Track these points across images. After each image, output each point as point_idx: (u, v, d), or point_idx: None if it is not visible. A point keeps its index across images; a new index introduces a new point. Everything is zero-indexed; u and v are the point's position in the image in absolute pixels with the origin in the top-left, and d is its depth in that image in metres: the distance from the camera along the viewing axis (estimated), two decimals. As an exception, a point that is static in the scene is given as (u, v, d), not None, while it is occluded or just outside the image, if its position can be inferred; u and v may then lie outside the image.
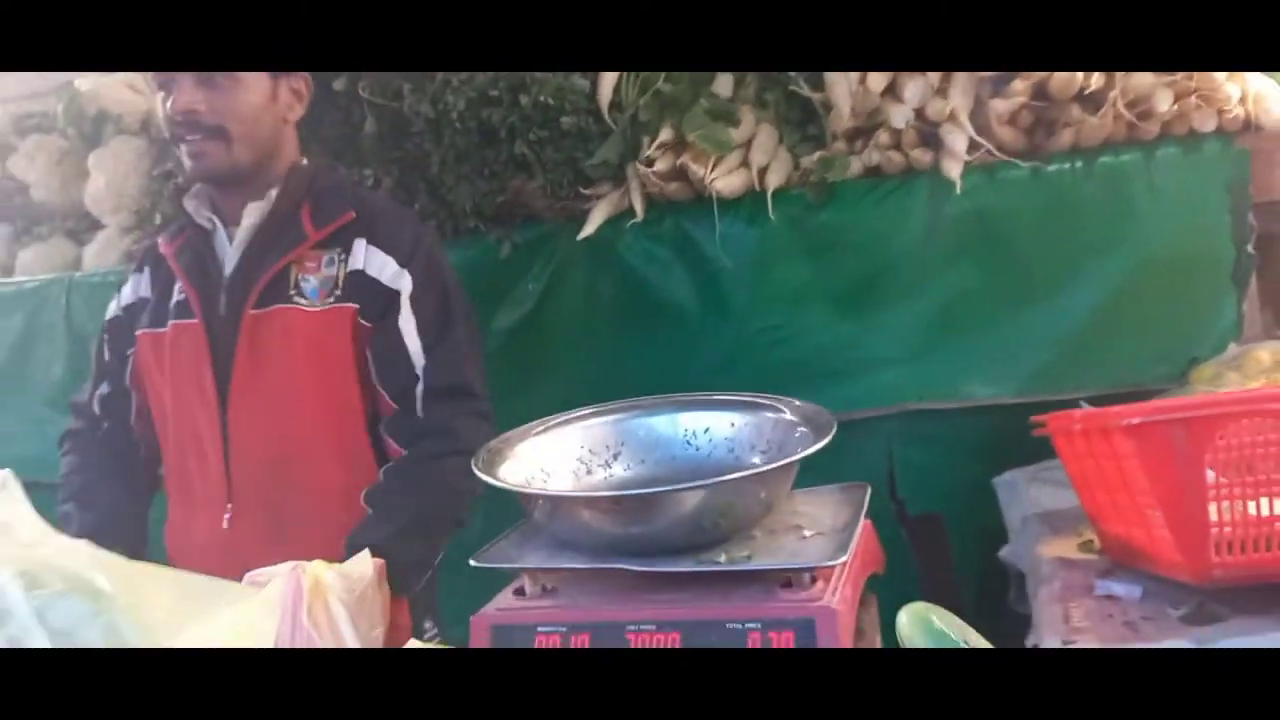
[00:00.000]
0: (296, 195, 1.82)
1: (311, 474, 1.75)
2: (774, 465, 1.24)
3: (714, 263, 2.23)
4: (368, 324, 1.78)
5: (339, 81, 2.38)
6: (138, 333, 1.89)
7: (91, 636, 0.69)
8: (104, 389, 1.96)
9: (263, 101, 1.77)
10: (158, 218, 2.61)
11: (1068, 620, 1.51)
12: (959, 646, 0.79)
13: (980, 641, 0.79)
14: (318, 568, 1.12)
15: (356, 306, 1.76)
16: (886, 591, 2.13)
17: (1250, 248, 2.02)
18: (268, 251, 1.78)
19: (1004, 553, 1.98)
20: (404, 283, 1.78)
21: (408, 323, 1.77)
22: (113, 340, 1.96)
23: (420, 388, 1.75)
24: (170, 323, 1.82)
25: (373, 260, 1.79)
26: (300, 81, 1.85)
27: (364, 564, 1.17)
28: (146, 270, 1.94)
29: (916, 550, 2.23)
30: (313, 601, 1.11)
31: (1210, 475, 1.35)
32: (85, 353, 2.68)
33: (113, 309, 1.97)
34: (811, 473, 2.21)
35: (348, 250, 1.79)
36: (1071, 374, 2.07)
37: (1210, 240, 2.02)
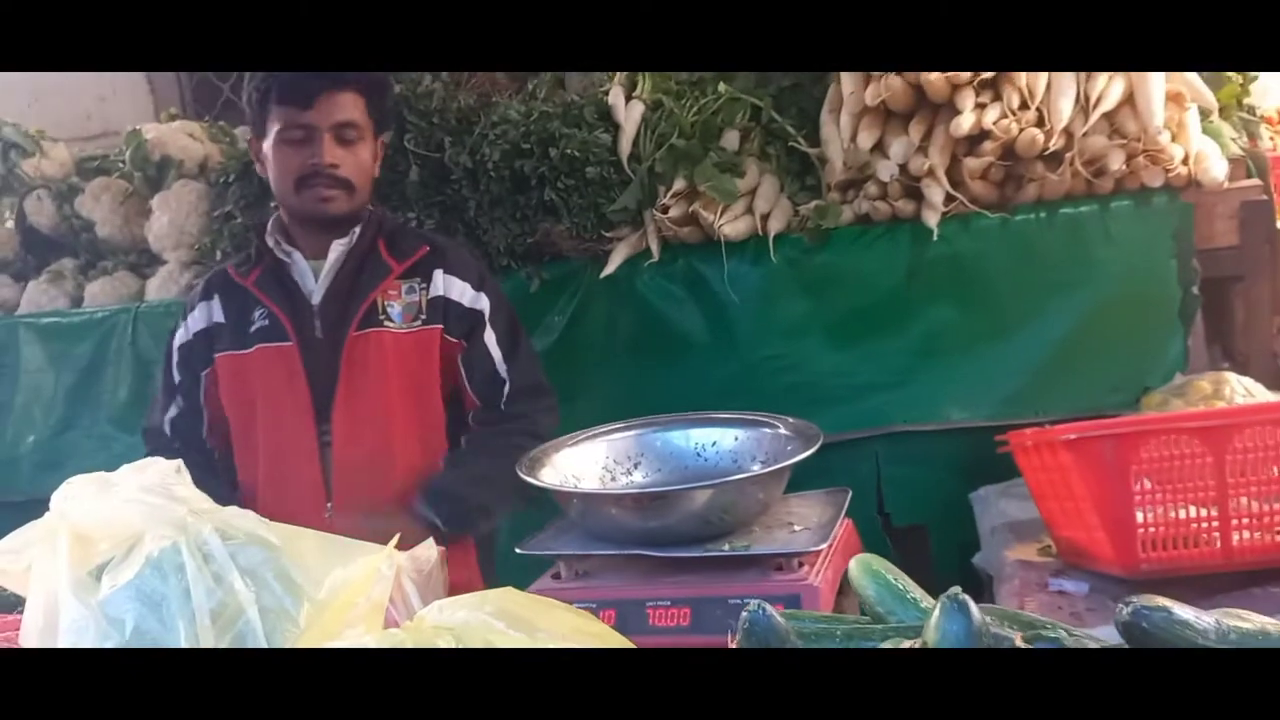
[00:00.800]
0: (372, 234, 2.14)
1: (403, 469, 2.05)
2: (768, 470, 1.51)
3: (722, 299, 2.49)
4: (455, 340, 2.11)
5: (387, 135, 2.66)
6: (216, 355, 2.15)
7: (268, 575, 0.95)
8: (173, 411, 2.22)
9: (371, 159, 2.13)
10: (218, 254, 2.89)
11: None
12: (896, 587, 1.04)
13: (914, 589, 1.04)
14: (388, 550, 1.37)
15: (441, 327, 2.09)
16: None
17: (1195, 289, 2.28)
18: (353, 281, 2.09)
19: (977, 559, 2.23)
20: (483, 304, 2.13)
21: (490, 337, 2.13)
22: (184, 363, 2.21)
23: (507, 389, 2.11)
24: (256, 345, 2.09)
25: (452, 287, 2.12)
26: (384, 141, 2.20)
27: (430, 549, 1.43)
28: (217, 298, 2.20)
29: (901, 559, 2.46)
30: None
31: (1146, 484, 1.61)
32: (148, 375, 2.98)
33: (181, 335, 2.22)
34: (810, 485, 2.48)
35: (427, 280, 2.11)
36: (1038, 400, 2.33)
37: (1159, 283, 2.28)
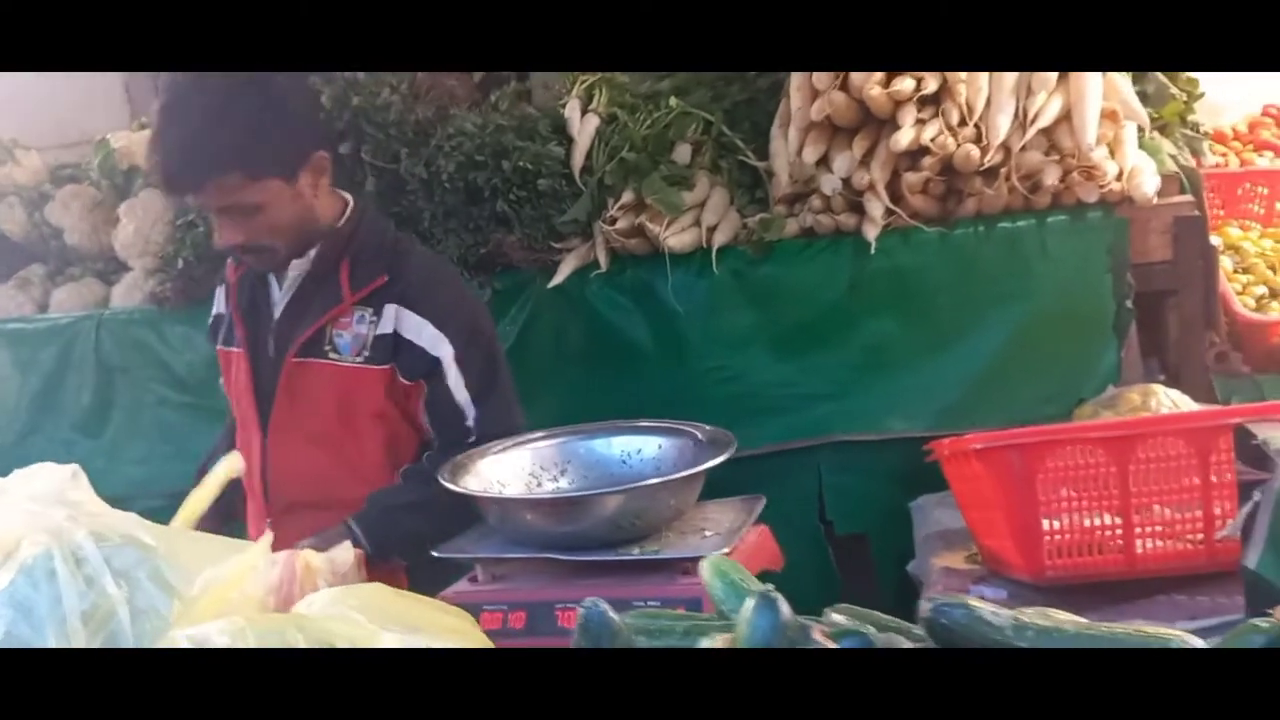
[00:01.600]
0: (334, 255, 2.03)
1: (336, 496, 1.97)
2: (677, 476, 1.55)
3: (669, 309, 2.53)
4: (408, 382, 1.97)
5: (345, 146, 2.71)
6: (217, 347, 2.22)
7: (141, 576, 0.99)
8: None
9: (289, 203, 1.97)
10: (179, 262, 2.93)
11: (941, 618, 1.80)
12: (740, 586, 1.08)
13: (756, 586, 1.07)
14: (308, 554, 1.40)
15: (391, 367, 1.97)
16: (813, 600, 2.43)
17: (1129, 303, 2.32)
18: (309, 304, 2.02)
19: (911, 566, 2.27)
20: (443, 348, 1.97)
21: (456, 381, 1.97)
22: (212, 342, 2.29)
23: (473, 439, 1.92)
24: (227, 345, 2.16)
25: (407, 323, 1.97)
26: (318, 161, 2.03)
27: (347, 551, 1.46)
28: (222, 289, 2.23)
29: (841, 566, 2.51)
30: (304, 581, 1.40)
31: (1067, 492, 1.65)
32: (111, 382, 3.02)
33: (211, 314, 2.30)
34: (753, 492, 2.51)
35: (379, 313, 1.97)
36: (975, 411, 2.36)
37: (1094, 297, 2.32)
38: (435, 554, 1.57)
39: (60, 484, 1.06)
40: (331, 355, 1.99)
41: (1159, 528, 1.60)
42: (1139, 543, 1.60)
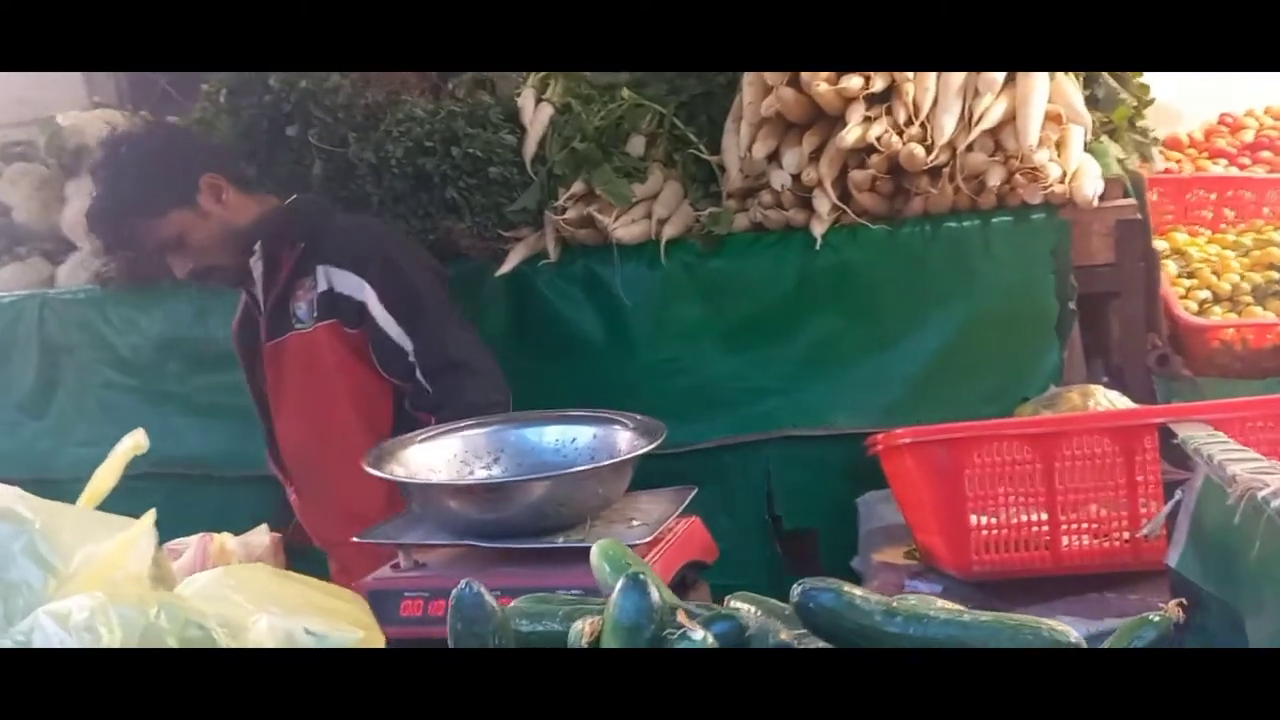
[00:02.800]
0: (276, 239, 2.24)
1: (348, 457, 1.99)
2: (602, 464, 1.54)
3: (617, 301, 2.52)
4: (352, 331, 2.15)
5: (292, 129, 2.68)
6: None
7: (15, 549, 0.97)
8: None
9: (202, 225, 2.20)
10: (127, 243, 2.88)
11: (873, 612, 1.80)
12: (625, 568, 1.07)
13: (645, 571, 1.06)
14: (223, 537, 1.39)
15: (336, 320, 2.15)
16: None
17: (1071, 305, 2.33)
18: (271, 292, 2.24)
19: (854, 562, 2.27)
20: (365, 291, 2.15)
21: (386, 320, 2.14)
22: None
23: (418, 370, 2.11)
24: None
25: (335, 278, 2.17)
26: (207, 182, 2.23)
27: (262, 535, 1.45)
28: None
29: (789, 561, 2.51)
30: (218, 564, 1.38)
31: (1001, 490, 1.65)
32: (55, 362, 2.97)
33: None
34: (703, 486, 2.51)
35: (314, 276, 2.18)
36: (919, 408, 2.37)
37: (1037, 297, 2.34)
38: (356, 539, 1.55)
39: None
40: (297, 326, 2.19)
41: (1085, 525, 1.61)
42: (1065, 539, 1.61)
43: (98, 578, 0.95)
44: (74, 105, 3.97)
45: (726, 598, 1.07)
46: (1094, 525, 1.61)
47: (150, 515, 1.02)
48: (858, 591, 1.01)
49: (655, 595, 0.93)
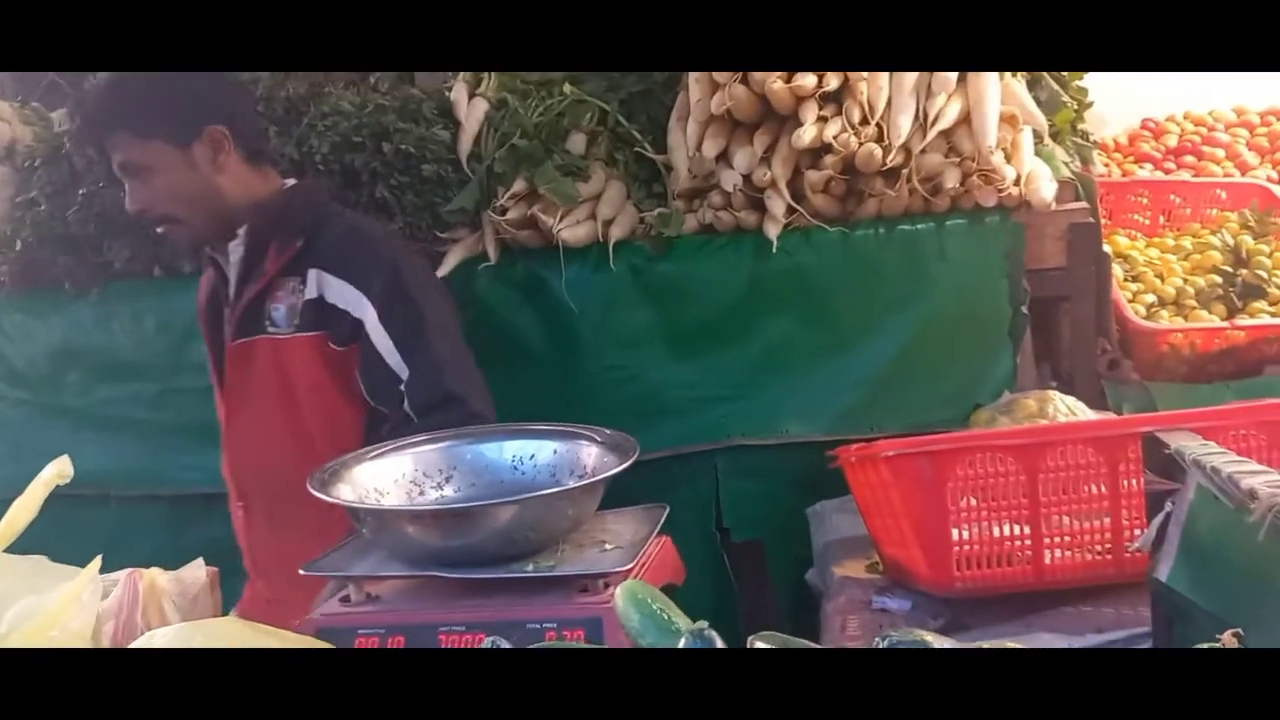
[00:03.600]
0: (266, 229, 2.00)
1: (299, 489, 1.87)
2: (576, 485, 1.43)
3: (562, 306, 2.41)
4: (339, 348, 1.94)
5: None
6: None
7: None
8: None
9: (184, 172, 1.96)
10: (17, 244, 2.65)
11: (844, 629, 1.73)
12: (660, 618, 0.97)
13: (682, 618, 0.97)
14: (153, 573, 1.24)
15: (324, 333, 1.93)
16: (708, 610, 2.34)
17: (1024, 309, 2.31)
18: (247, 285, 1.99)
19: (809, 575, 2.20)
20: (366, 309, 1.92)
21: (384, 343, 1.92)
22: None
23: (408, 400, 1.88)
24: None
25: (329, 286, 1.94)
26: (212, 134, 1.99)
27: (198, 570, 1.30)
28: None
29: (737, 574, 2.44)
30: (148, 603, 1.23)
31: (972, 501, 1.59)
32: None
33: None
34: (649, 498, 2.41)
35: (304, 279, 1.95)
36: (873, 415, 2.32)
37: (991, 301, 2.31)
38: (302, 571, 1.41)
39: None
40: (270, 329, 1.98)
41: (1068, 538, 1.56)
42: (1048, 554, 1.56)
43: (36, 637, 0.80)
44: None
45: (750, 638, 0.97)
46: (1077, 538, 1.57)
47: (96, 563, 0.87)
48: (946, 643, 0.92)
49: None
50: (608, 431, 1.60)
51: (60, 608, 0.84)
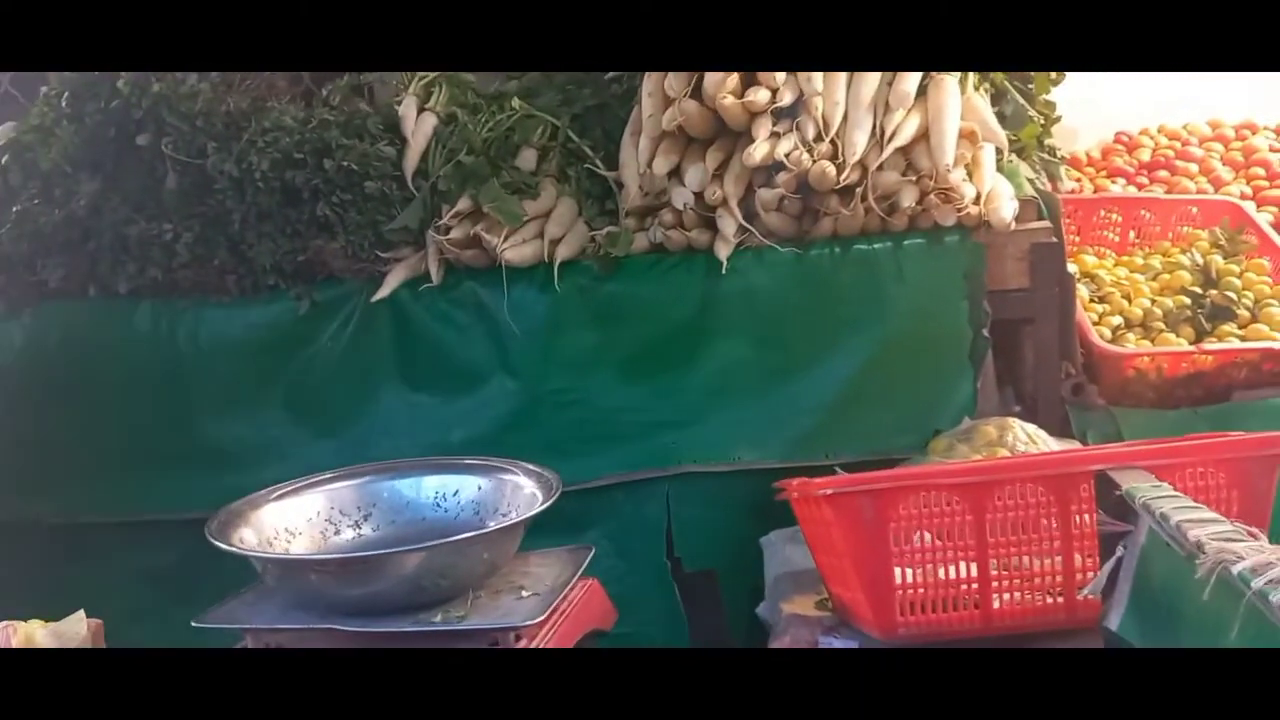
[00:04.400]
0: None
1: None
2: (490, 529, 1.34)
3: (505, 327, 2.32)
4: None
5: (143, 137, 2.40)
6: None
7: None
8: None
9: None
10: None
11: (787, 672, 1.65)
12: None
13: None
14: (30, 627, 1.15)
15: None
16: (659, 643, 2.25)
17: (985, 331, 2.23)
18: None
19: (760, 609, 2.12)
20: None
21: None
22: None
23: None
24: None
25: None
26: None
27: (79, 623, 1.21)
28: None
29: (688, 605, 2.34)
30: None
31: (927, 539, 1.51)
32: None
33: None
34: (596, 525, 2.32)
35: None
36: (828, 441, 2.24)
37: (950, 323, 2.23)
38: (195, 624, 1.32)
39: None
40: None
41: (1017, 581, 1.48)
42: (996, 597, 1.48)
43: None
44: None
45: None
46: (1027, 581, 1.49)
47: None
48: None
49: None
50: (532, 466, 1.52)
51: None
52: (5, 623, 1.18)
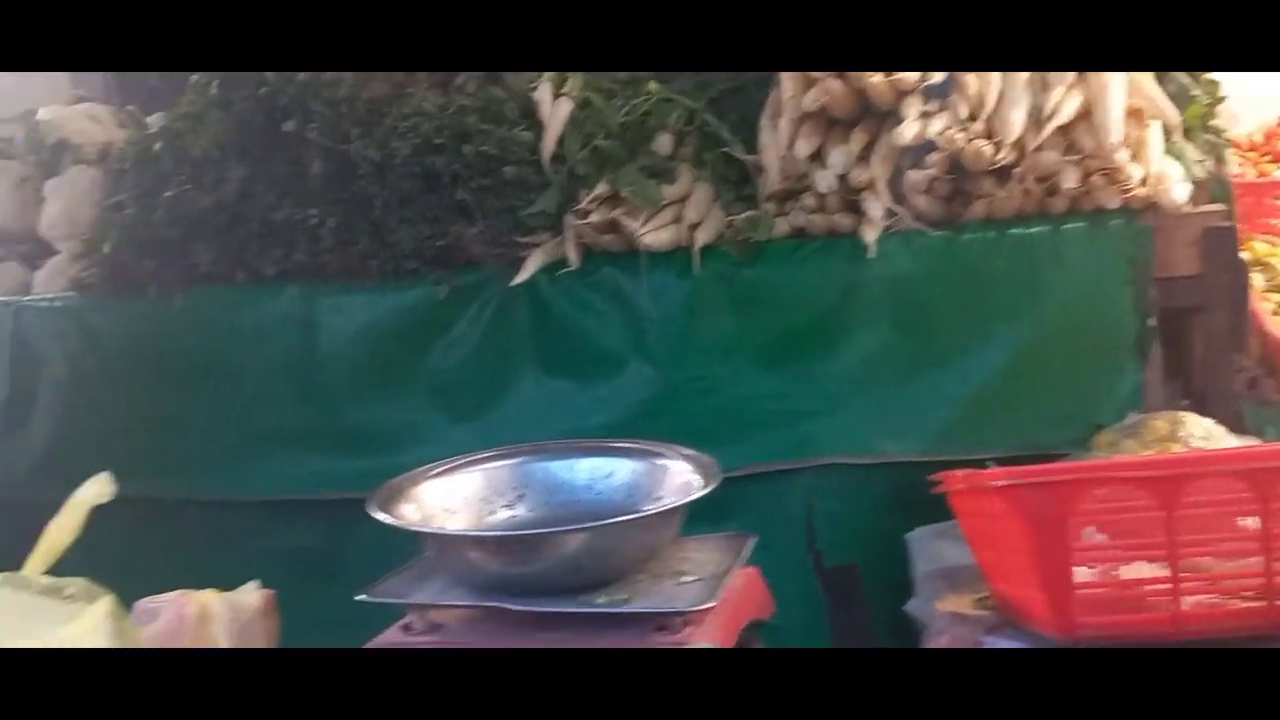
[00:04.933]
0: None
1: None
2: (653, 511, 1.30)
3: (644, 313, 2.29)
4: None
5: (290, 124, 2.45)
6: None
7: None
8: None
9: None
10: (105, 247, 2.65)
11: (949, 672, 1.57)
12: None
13: None
14: (205, 596, 1.16)
15: None
16: (799, 640, 2.19)
17: (1152, 321, 2.11)
18: None
19: (909, 606, 2.04)
20: None
21: None
22: None
23: None
24: None
25: None
26: None
27: (251, 594, 1.22)
28: None
29: (830, 600, 2.28)
30: (198, 630, 1.15)
31: (1097, 537, 1.42)
32: (34, 372, 2.73)
33: None
34: (732, 519, 2.27)
35: None
36: (979, 435, 2.14)
37: (1113, 311, 2.11)
38: (360, 598, 1.32)
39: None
40: None
41: (1210, 583, 1.38)
42: (1186, 599, 1.37)
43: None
44: (58, 100, 3.73)
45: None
46: (1220, 582, 1.38)
47: (105, 602, 0.79)
48: None
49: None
50: (690, 450, 1.48)
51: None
52: (181, 591, 1.19)
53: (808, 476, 2.27)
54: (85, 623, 0.79)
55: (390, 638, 1.32)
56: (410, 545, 2.31)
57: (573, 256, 2.31)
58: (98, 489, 0.94)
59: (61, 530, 0.91)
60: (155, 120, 3.06)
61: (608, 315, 2.33)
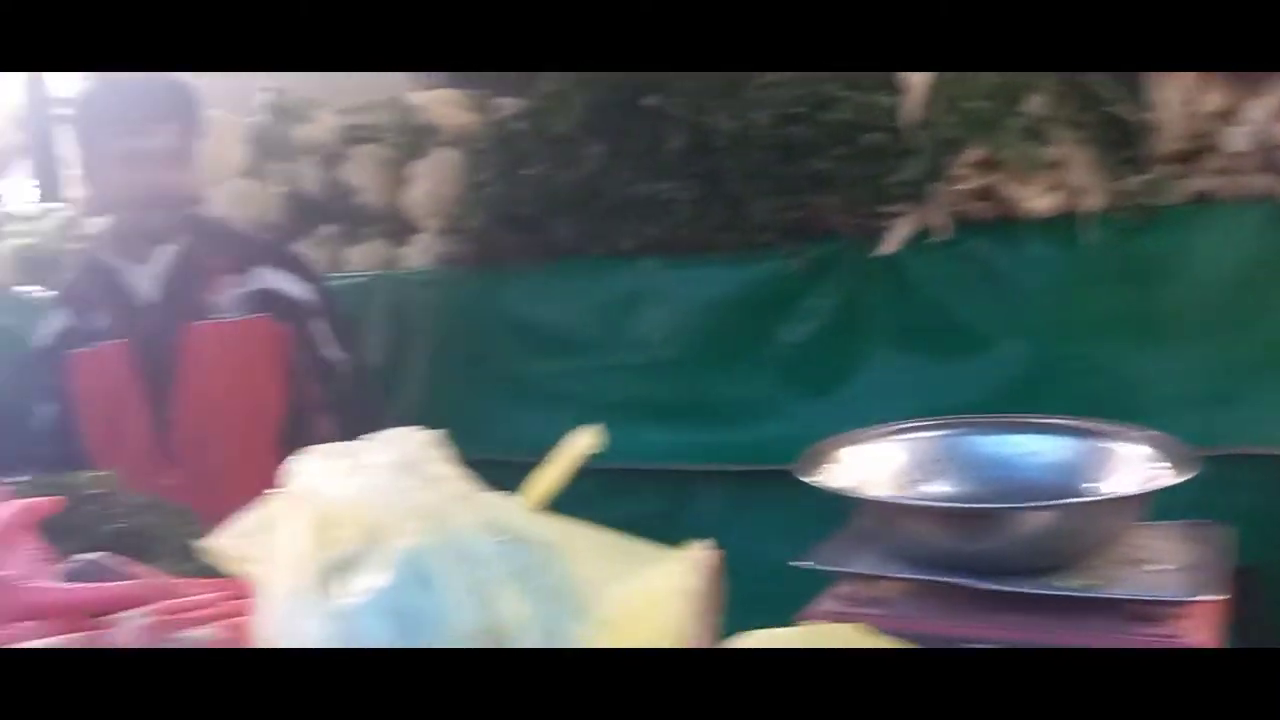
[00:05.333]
0: (193, 236, 2.26)
1: (243, 445, 2.16)
2: (1135, 493, 1.21)
3: (1017, 285, 2.17)
4: (282, 325, 2.25)
5: (651, 98, 2.49)
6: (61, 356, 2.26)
7: (544, 586, 0.77)
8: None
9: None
10: (470, 223, 2.81)
11: None
12: None
13: None
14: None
15: (265, 317, 2.24)
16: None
17: None
18: (180, 282, 2.23)
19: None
20: (314, 294, 2.32)
21: (321, 326, 2.31)
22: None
23: (333, 388, 2.27)
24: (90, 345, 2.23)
25: (275, 279, 2.28)
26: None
27: (710, 552, 1.21)
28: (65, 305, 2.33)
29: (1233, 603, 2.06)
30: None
31: None
32: (405, 340, 2.93)
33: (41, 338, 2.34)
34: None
35: (248, 273, 2.26)
36: None
37: None
38: (794, 564, 1.30)
39: (422, 453, 0.85)
40: (217, 316, 2.23)
41: None
42: None
43: (644, 628, 0.74)
44: (401, 87, 4.01)
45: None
46: None
47: (699, 550, 0.80)
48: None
49: None
50: (1146, 432, 1.36)
51: (666, 593, 0.78)
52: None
53: (1206, 468, 2.06)
54: (685, 557, 0.81)
55: (822, 604, 1.30)
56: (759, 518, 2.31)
57: (943, 225, 2.22)
58: (588, 440, 0.95)
59: (554, 478, 0.94)
60: (507, 104, 3.21)
61: (976, 288, 2.22)
